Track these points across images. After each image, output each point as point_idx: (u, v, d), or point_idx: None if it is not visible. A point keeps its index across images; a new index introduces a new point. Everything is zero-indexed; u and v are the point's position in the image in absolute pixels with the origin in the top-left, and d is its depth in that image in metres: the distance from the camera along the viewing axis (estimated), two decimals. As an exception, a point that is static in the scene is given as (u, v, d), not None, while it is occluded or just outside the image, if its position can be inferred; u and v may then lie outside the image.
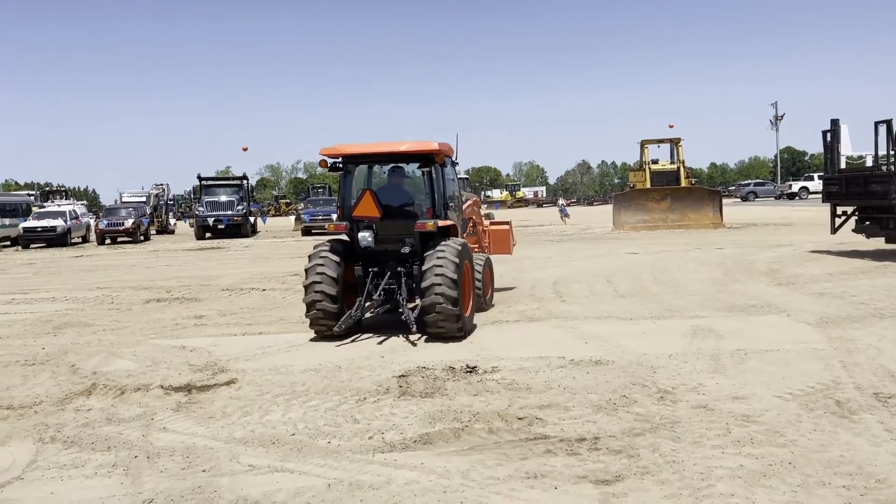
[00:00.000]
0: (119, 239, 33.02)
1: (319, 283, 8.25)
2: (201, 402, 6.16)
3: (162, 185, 47.73)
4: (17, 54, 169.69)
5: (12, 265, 22.61)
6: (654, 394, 5.79)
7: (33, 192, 53.47)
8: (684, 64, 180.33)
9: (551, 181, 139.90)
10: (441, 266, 7.90)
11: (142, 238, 33.57)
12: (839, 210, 16.04)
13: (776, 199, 58.81)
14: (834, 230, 16.09)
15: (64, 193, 56.35)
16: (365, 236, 8.60)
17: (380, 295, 8.48)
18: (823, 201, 16.78)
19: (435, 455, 4.67)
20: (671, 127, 73.74)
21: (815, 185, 57.47)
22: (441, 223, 8.52)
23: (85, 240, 34.81)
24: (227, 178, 41.48)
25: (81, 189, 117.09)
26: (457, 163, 9.87)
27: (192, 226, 39.15)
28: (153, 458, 4.81)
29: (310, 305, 8.34)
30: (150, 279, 16.40)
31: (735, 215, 32.93)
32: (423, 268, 8.09)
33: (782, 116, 77.50)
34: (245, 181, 37.69)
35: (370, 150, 8.79)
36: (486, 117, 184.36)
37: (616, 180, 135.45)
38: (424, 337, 8.26)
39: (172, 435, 5.30)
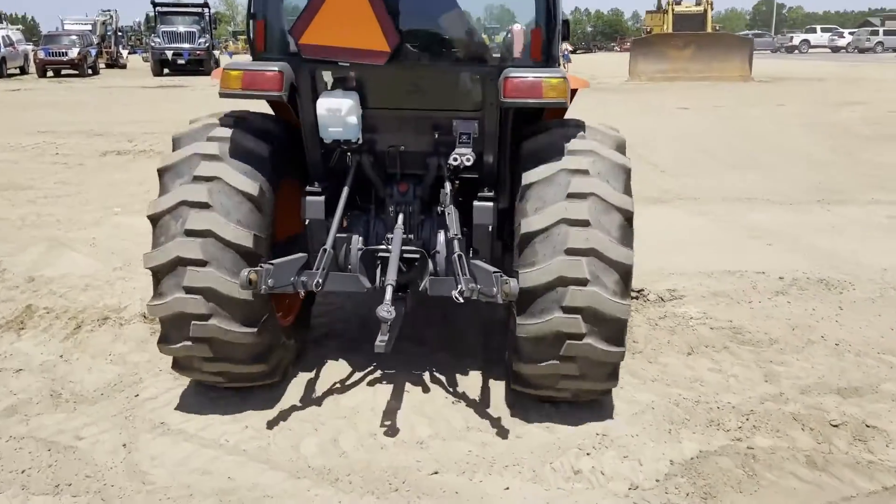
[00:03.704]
0: (63, 71, 28.83)
1: (196, 289, 2.78)
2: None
3: (109, 11, 42.31)
4: None
5: (-66, 99, 18.91)
6: None
7: (-40, 16, 47.23)
8: None
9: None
10: (576, 211, 2.71)
11: (90, 71, 29.45)
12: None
13: (772, 52, 55.27)
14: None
15: (-4, 18, 50.07)
16: (337, 112, 2.97)
17: (380, 283, 2.99)
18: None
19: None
20: None
21: (818, 37, 54.19)
22: (572, 82, 2.97)
23: (23, 71, 30.39)
24: (187, 5, 36.38)
25: (18, 16, 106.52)
26: None
27: (146, 60, 34.75)
28: (153, 531, 2.31)
29: (166, 337, 2.90)
30: (104, 122, 13.16)
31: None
32: (520, 219, 2.83)
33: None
34: (206, 9, 32.96)
35: None
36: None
37: (588, 28, 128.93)
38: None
39: (182, 446, 2.76)
